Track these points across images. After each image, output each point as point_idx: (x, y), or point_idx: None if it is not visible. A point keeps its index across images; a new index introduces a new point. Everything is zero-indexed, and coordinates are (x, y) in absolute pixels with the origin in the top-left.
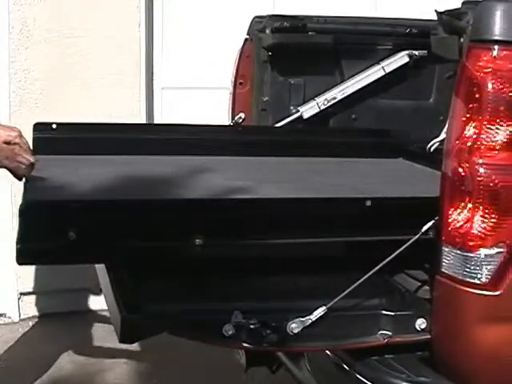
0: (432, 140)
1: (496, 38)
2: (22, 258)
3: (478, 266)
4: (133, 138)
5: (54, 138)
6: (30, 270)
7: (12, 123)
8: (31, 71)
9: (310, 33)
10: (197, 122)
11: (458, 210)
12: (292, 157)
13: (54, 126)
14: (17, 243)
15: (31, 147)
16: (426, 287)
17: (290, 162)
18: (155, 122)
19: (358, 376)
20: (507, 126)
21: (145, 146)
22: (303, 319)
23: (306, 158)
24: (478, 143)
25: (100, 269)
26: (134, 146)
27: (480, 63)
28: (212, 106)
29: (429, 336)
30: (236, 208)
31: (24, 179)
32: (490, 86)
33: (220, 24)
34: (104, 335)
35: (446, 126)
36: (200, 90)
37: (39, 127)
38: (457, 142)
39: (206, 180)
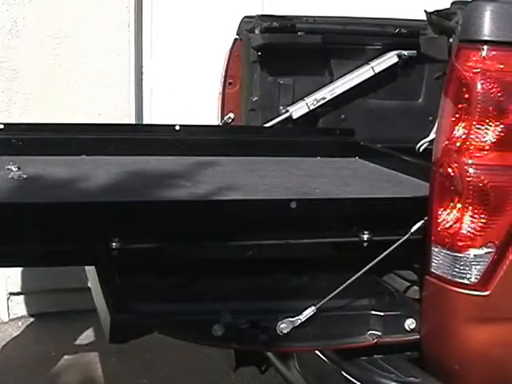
0: (421, 140)
1: (485, 38)
2: None
3: (467, 266)
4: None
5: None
6: (19, 271)
7: None
8: (20, 71)
9: (299, 33)
10: (187, 122)
11: (448, 211)
12: (238, 156)
13: (2, 127)
14: None
15: None
16: (416, 287)
17: (233, 162)
18: (144, 121)
19: (347, 376)
20: (496, 126)
21: (84, 146)
22: (293, 319)
23: (253, 158)
24: (467, 143)
25: (89, 270)
26: (77, 146)
27: (469, 63)
28: (201, 106)
29: (418, 336)
30: (142, 209)
31: None
32: (479, 86)
33: (209, 24)
34: (93, 334)
35: (436, 126)
36: (189, 89)
37: None
38: (446, 142)
39: (128, 181)
